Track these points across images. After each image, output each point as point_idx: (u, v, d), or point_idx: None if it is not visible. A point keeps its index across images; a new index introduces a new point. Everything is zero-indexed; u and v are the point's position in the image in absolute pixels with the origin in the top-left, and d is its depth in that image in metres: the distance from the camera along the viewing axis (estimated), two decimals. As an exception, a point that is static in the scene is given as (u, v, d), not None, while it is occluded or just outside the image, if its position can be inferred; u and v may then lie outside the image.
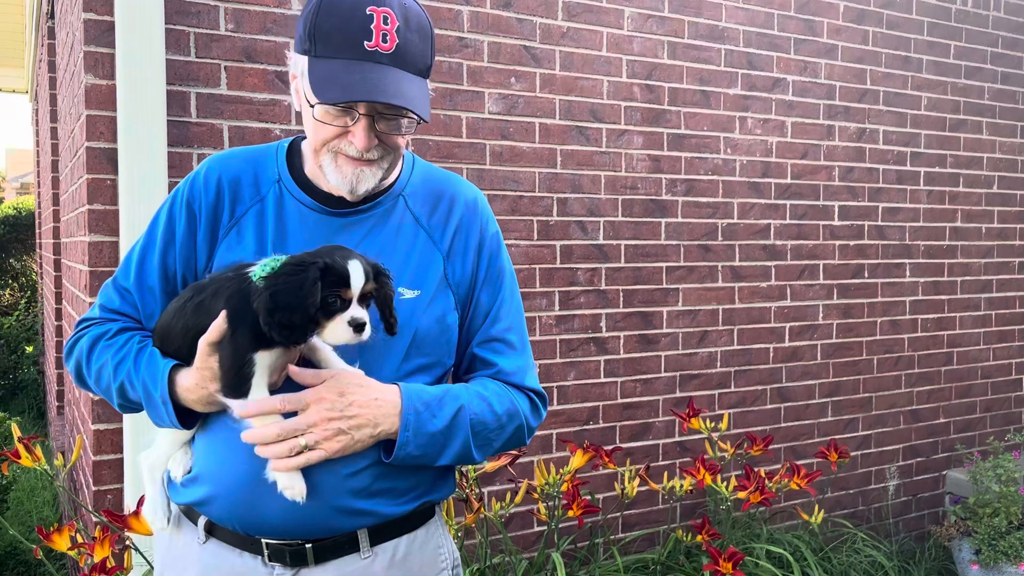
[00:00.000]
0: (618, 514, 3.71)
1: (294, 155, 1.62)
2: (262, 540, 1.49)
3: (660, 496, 3.80)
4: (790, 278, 4.22)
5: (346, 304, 1.37)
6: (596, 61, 3.66)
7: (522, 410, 1.64)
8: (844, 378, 4.42)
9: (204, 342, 1.41)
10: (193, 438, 1.55)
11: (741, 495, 2.67)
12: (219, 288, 1.40)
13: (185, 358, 1.47)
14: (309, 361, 1.48)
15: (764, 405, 4.17)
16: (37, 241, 8.35)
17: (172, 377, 1.47)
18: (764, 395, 4.16)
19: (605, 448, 2.98)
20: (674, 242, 3.88)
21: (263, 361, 1.39)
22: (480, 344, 1.67)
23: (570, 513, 2.78)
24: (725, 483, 2.73)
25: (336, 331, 1.37)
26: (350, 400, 1.43)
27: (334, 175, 1.51)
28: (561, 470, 2.71)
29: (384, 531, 1.54)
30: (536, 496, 2.89)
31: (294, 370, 1.42)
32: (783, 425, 4.24)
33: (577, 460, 2.73)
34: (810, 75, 4.23)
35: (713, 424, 3.22)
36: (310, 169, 1.59)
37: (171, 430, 1.51)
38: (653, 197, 3.82)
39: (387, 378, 1.52)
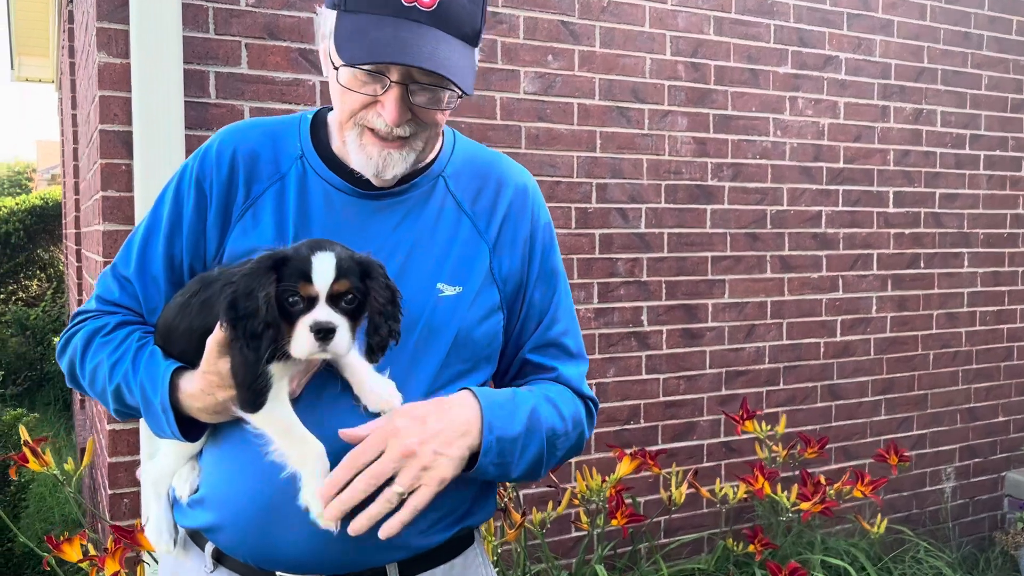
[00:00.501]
0: (661, 519, 3.51)
1: (320, 128, 1.44)
2: (276, 573, 1.30)
3: (704, 499, 3.59)
4: (842, 268, 3.99)
5: (310, 305, 1.17)
6: (638, 37, 3.45)
7: (583, 417, 1.49)
8: (898, 374, 4.20)
9: (212, 341, 1.23)
10: (201, 451, 1.37)
11: (804, 506, 2.46)
12: (228, 284, 1.21)
13: (191, 361, 1.30)
14: (330, 365, 1.30)
15: (814, 403, 3.95)
16: (63, 232, 8.30)
17: (175, 381, 1.29)
18: (814, 392, 3.95)
19: (650, 450, 2.78)
20: (720, 230, 3.67)
21: (279, 370, 1.20)
22: (535, 350, 1.50)
23: (613, 522, 2.59)
24: (785, 492, 2.52)
25: (298, 340, 1.16)
26: (423, 413, 1.27)
27: (358, 155, 1.33)
28: (606, 477, 2.51)
29: (417, 564, 1.35)
30: (576, 501, 2.70)
31: (345, 433, 1.25)
32: (834, 424, 4.02)
33: (624, 467, 2.53)
34: (864, 52, 3.99)
35: (769, 427, 3.00)
36: (337, 145, 1.41)
37: (175, 441, 1.33)
38: (698, 182, 3.61)
39: (422, 386, 1.34)
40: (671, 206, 3.56)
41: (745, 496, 2.80)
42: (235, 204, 1.37)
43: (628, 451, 2.55)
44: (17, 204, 10.29)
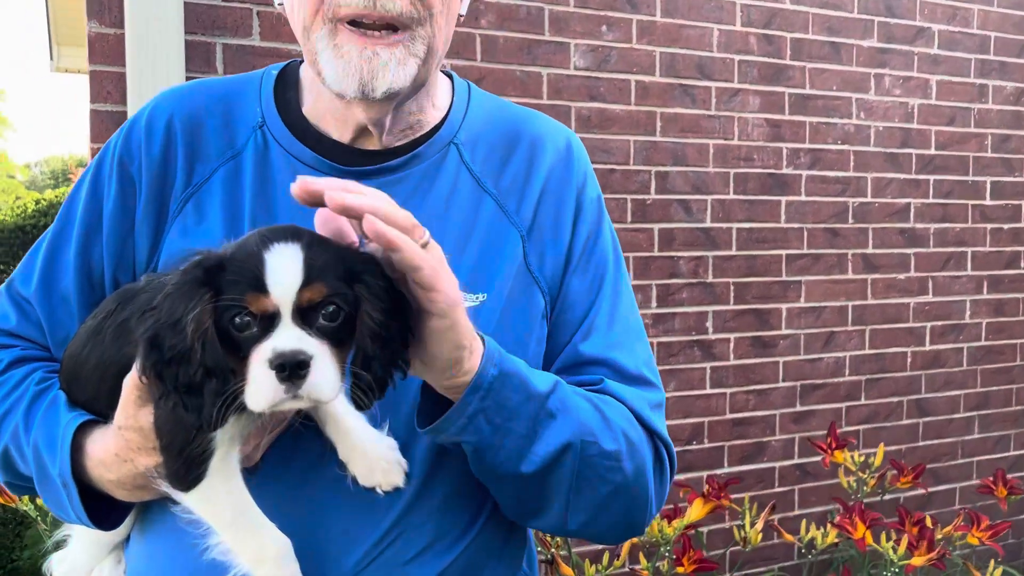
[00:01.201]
0: (726, 550, 3.12)
1: (287, 87, 1.12)
2: None
3: (775, 531, 3.18)
4: (932, 269, 3.60)
5: (268, 326, 0.81)
6: (704, 6, 3.10)
7: (647, 456, 1.08)
8: (994, 388, 3.80)
9: (130, 383, 0.91)
10: (128, 539, 1.02)
11: (915, 561, 2.04)
12: (146, 309, 0.85)
13: (104, 411, 0.96)
14: (306, 416, 0.94)
15: (899, 420, 3.57)
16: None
17: (79, 442, 0.97)
18: (900, 408, 3.57)
19: (717, 474, 2.39)
20: (796, 225, 3.28)
21: (227, 428, 0.84)
22: (566, 370, 1.11)
23: (680, 570, 2.20)
24: (891, 542, 2.11)
25: (255, 384, 0.80)
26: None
27: (332, 66, 1.01)
28: (673, 523, 2.12)
29: None
30: (636, 542, 2.32)
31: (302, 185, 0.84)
32: (921, 444, 3.61)
33: (696, 511, 2.14)
34: (960, 24, 3.59)
35: (863, 457, 2.58)
36: (311, 105, 1.09)
37: (85, 529, 0.98)
38: (771, 171, 3.22)
39: (432, 446, 1.00)
40: (740, 197, 3.19)
41: (836, 541, 2.38)
42: (172, 192, 1.07)
43: (697, 488, 2.15)
44: (56, 196, 10.23)
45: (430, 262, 0.83)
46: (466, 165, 1.11)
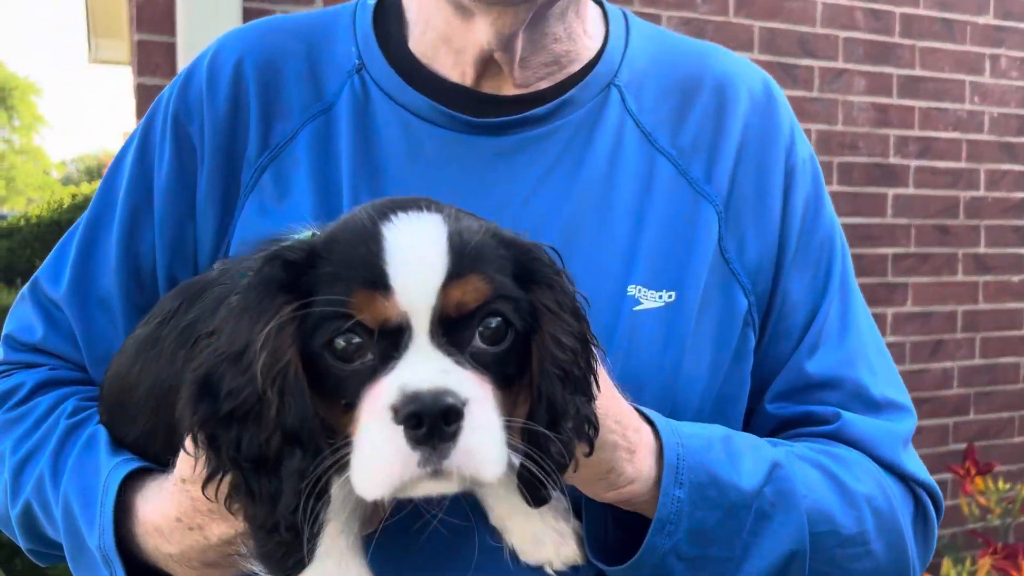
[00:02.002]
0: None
1: (388, 20, 0.89)
2: None
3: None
4: None
5: (390, 349, 0.53)
6: (808, -24, 2.82)
7: (903, 518, 0.83)
8: None
9: None
10: None
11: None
12: (230, 293, 0.60)
13: (162, 453, 0.72)
14: None
15: (1011, 438, 3.30)
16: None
17: (127, 499, 0.73)
18: (1011, 425, 3.28)
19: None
20: (904, 221, 3.00)
21: (343, 495, 0.58)
22: (790, 395, 0.87)
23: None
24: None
25: (367, 450, 0.52)
26: None
27: None
28: None
29: None
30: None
31: None
32: (1035, 464, 3.27)
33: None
34: None
35: (1008, 486, 2.27)
36: (419, 36, 0.87)
37: None
38: (878, 160, 2.94)
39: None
40: (845, 189, 2.91)
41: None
42: (244, 159, 0.85)
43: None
44: (94, 189, 10.19)
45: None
46: (631, 114, 0.86)
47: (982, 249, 3.16)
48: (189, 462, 0.66)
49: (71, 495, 0.75)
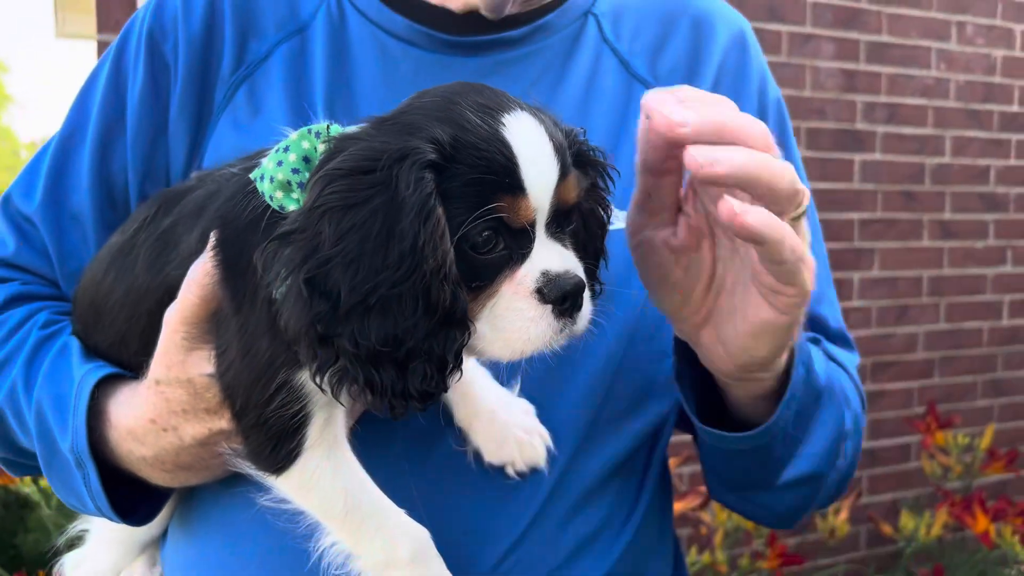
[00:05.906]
0: (792, 539, 2.86)
1: None
2: None
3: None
4: (1013, 236, 3.35)
5: (518, 242, 0.61)
6: (776, -60, 2.78)
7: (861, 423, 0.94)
8: None
9: (174, 320, 0.68)
10: (165, 536, 0.81)
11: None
12: (209, 199, 0.66)
13: (136, 359, 0.74)
14: None
15: (974, 400, 3.34)
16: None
17: (101, 405, 0.74)
18: (974, 388, 3.33)
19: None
20: (870, 186, 3.01)
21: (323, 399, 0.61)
22: None
23: (763, 564, 1.94)
24: (1016, 536, 1.85)
25: (508, 325, 0.60)
26: None
27: None
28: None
29: None
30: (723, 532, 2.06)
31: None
32: (998, 426, 3.33)
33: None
34: None
35: (968, 439, 2.31)
36: None
37: (106, 523, 0.77)
38: (845, 126, 2.95)
39: (576, 421, 0.79)
40: (812, 154, 2.92)
41: (941, 536, 2.12)
42: (218, 77, 0.87)
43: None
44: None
45: (801, 252, 0.61)
46: (608, 43, 0.88)
47: (947, 215, 3.19)
48: (163, 363, 0.67)
49: (44, 401, 0.76)
